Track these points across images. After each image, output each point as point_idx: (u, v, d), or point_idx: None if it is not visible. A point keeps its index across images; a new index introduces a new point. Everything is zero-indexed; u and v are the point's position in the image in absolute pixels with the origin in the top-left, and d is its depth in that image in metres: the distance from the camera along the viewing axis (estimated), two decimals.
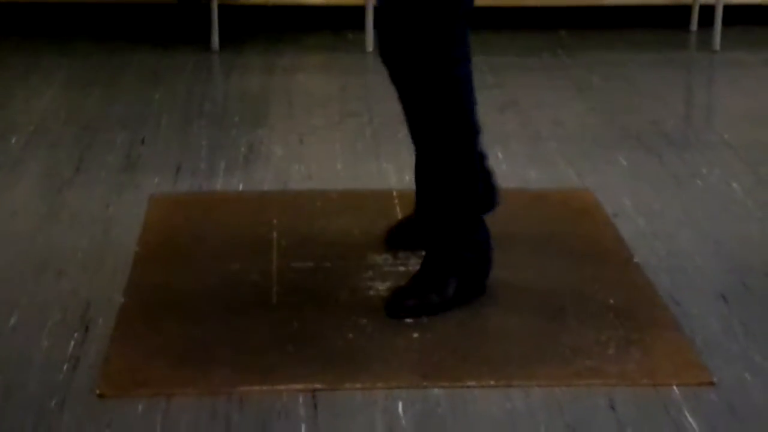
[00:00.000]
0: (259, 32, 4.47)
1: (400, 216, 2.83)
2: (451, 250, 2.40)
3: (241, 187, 3.07)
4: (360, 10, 4.33)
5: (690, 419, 2.04)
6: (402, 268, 2.56)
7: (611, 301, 2.44)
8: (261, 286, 2.49)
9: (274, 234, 2.74)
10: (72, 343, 2.27)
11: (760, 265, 2.62)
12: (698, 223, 2.85)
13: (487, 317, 2.38)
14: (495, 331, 2.32)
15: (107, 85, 3.89)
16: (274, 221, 2.81)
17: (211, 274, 2.55)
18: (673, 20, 4.60)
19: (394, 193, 2.97)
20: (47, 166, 3.20)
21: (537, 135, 3.46)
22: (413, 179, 3.10)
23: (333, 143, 3.39)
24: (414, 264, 2.58)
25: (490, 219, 2.89)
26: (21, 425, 2.01)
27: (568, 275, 2.56)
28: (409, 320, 2.35)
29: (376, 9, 2.39)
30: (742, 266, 2.62)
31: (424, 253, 2.44)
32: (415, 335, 2.30)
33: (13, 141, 3.37)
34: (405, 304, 2.37)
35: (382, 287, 2.48)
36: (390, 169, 3.16)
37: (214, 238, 2.73)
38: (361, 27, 4.32)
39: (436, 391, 2.12)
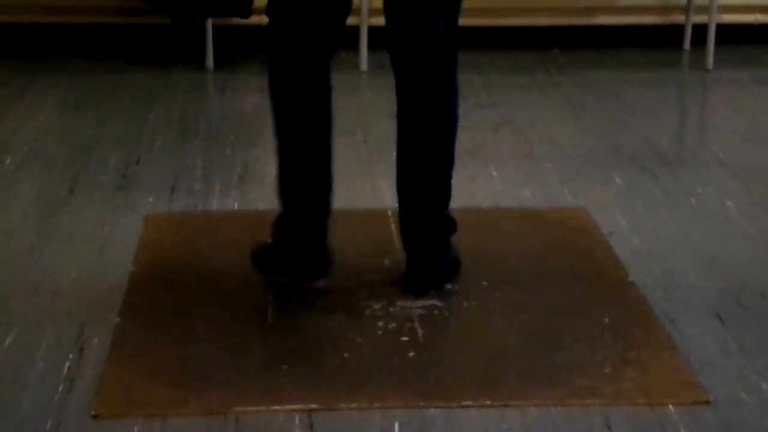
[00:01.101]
0: (254, 52, 4.47)
1: (395, 235, 2.83)
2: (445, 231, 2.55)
3: (236, 207, 3.07)
4: (354, 30, 4.34)
5: None
6: (397, 288, 2.56)
7: (606, 320, 2.44)
8: (257, 305, 2.49)
9: None
10: (67, 364, 2.26)
11: (754, 284, 2.63)
12: (693, 242, 2.85)
13: (483, 336, 2.38)
14: (491, 351, 2.32)
15: (102, 105, 3.89)
16: (270, 241, 2.81)
17: (207, 294, 2.54)
18: (666, 39, 4.62)
19: (389, 212, 2.97)
20: (42, 186, 3.20)
21: (531, 154, 3.46)
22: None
23: None
24: None
25: (485, 238, 2.91)
26: None
27: (563, 294, 2.56)
28: (405, 338, 2.35)
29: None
30: (736, 285, 2.62)
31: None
32: (411, 354, 2.30)
33: (8, 161, 3.36)
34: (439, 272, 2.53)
35: (377, 306, 2.48)
36: (385, 187, 3.16)
37: (209, 257, 2.72)
38: (355, 47, 4.33)
39: (432, 410, 2.12)
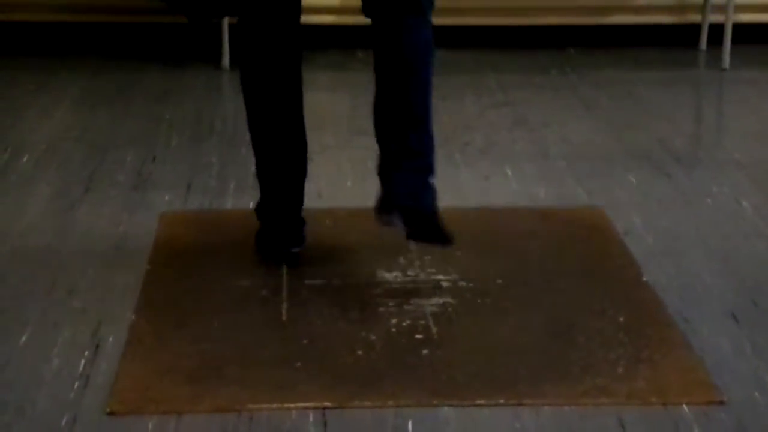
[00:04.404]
0: None
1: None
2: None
3: (251, 205, 3.07)
4: (368, 29, 4.34)
5: None
6: (411, 286, 2.57)
7: (621, 319, 2.44)
8: (271, 303, 2.50)
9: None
10: (83, 361, 2.27)
11: None
12: (708, 242, 2.85)
13: (497, 335, 2.38)
14: (505, 349, 2.33)
15: (118, 104, 3.91)
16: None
17: (222, 292, 2.55)
18: (682, 39, 4.61)
19: None
20: (58, 184, 3.22)
21: (546, 153, 3.46)
22: None
23: (343, 161, 3.40)
24: (423, 281, 2.59)
25: (499, 237, 2.90)
26: None
27: (578, 293, 2.56)
28: (418, 336, 2.35)
29: None
30: (751, 285, 2.62)
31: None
32: (425, 352, 2.30)
33: (25, 159, 3.38)
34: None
35: (391, 304, 2.49)
36: None
37: (224, 255, 2.73)
38: (369, 46, 4.33)
39: (445, 409, 2.12)
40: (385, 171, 2.54)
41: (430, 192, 2.47)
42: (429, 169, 2.51)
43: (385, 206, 2.50)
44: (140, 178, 3.24)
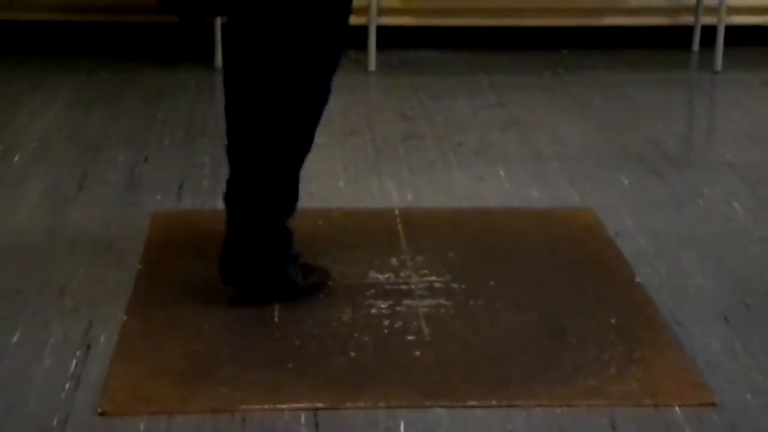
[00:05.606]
0: None
1: (401, 234, 2.84)
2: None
3: None
4: (362, 29, 4.35)
5: None
6: (404, 287, 2.57)
7: (613, 320, 2.44)
8: (263, 303, 2.50)
9: None
10: (74, 361, 2.27)
11: (761, 285, 2.63)
12: (700, 243, 2.85)
13: (489, 336, 2.38)
14: (497, 350, 2.33)
15: (110, 103, 3.90)
16: None
17: (214, 292, 2.55)
18: (675, 41, 4.62)
19: (396, 212, 2.97)
20: (50, 183, 3.21)
21: (538, 154, 3.47)
22: (415, 198, 3.12)
23: (335, 161, 3.40)
24: (416, 282, 2.59)
25: (492, 238, 2.90)
26: None
27: (570, 294, 2.56)
28: (411, 337, 2.35)
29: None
30: (743, 286, 2.62)
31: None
32: (417, 353, 2.30)
33: (17, 158, 3.38)
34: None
35: (383, 305, 2.49)
36: (392, 187, 3.17)
37: (216, 256, 2.72)
38: (363, 46, 4.34)
39: (437, 410, 2.12)
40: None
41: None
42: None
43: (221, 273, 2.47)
44: (132, 178, 3.23)
